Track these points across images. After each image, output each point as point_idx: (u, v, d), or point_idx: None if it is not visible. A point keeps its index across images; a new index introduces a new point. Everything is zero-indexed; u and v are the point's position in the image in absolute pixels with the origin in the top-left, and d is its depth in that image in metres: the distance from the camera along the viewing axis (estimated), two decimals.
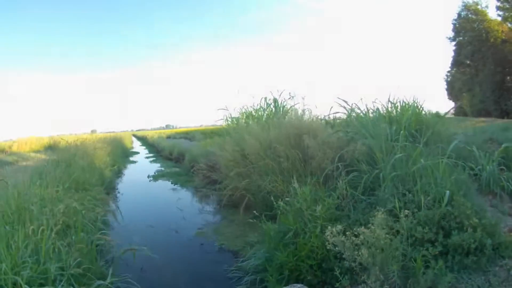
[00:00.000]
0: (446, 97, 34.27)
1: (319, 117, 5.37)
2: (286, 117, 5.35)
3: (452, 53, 21.87)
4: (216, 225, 4.83)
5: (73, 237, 3.26)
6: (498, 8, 15.89)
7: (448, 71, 29.87)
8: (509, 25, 15.33)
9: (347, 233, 2.68)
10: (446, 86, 33.27)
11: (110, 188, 7.78)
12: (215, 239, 4.31)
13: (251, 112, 7.63)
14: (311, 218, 3.23)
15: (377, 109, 4.96)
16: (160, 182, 9.19)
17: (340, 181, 3.61)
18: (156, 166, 12.44)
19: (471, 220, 2.92)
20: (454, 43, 20.90)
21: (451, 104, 36.61)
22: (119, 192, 7.90)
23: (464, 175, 3.63)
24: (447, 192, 3.03)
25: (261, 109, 7.49)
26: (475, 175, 4.10)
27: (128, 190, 8.21)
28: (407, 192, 3.28)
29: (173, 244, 4.49)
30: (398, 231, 2.88)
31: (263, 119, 6.80)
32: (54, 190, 4.36)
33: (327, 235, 2.70)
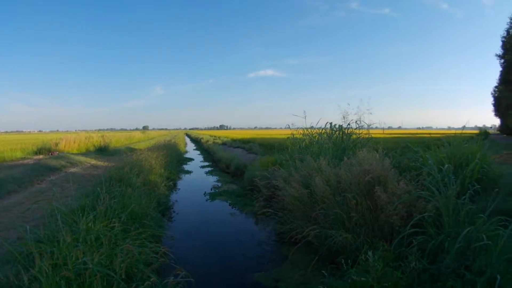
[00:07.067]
0: (493, 113, 32.16)
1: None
2: (355, 158, 5.04)
3: (500, 69, 20.80)
4: (277, 266, 4.75)
5: None
6: None
7: (496, 87, 28.35)
8: None
9: None
10: (493, 102, 31.69)
11: (165, 208, 7.46)
12: (275, 286, 4.28)
13: (315, 135, 7.82)
14: None
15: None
16: (217, 202, 8.62)
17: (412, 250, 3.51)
18: (212, 180, 11.92)
19: None
20: (502, 60, 19.82)
21: (497, 120, 33.47)
22: (174, 211, 7.62)
23: None
24: (498, 277, 2.90)
25: (325, 134, 7.63)
26: None
27: (183, 210, 7.87)
28: (466, 272, 3.17)
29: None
30: None
31: (328, 146, 6.88)
32: (108, 226, 3.83)
33: None
